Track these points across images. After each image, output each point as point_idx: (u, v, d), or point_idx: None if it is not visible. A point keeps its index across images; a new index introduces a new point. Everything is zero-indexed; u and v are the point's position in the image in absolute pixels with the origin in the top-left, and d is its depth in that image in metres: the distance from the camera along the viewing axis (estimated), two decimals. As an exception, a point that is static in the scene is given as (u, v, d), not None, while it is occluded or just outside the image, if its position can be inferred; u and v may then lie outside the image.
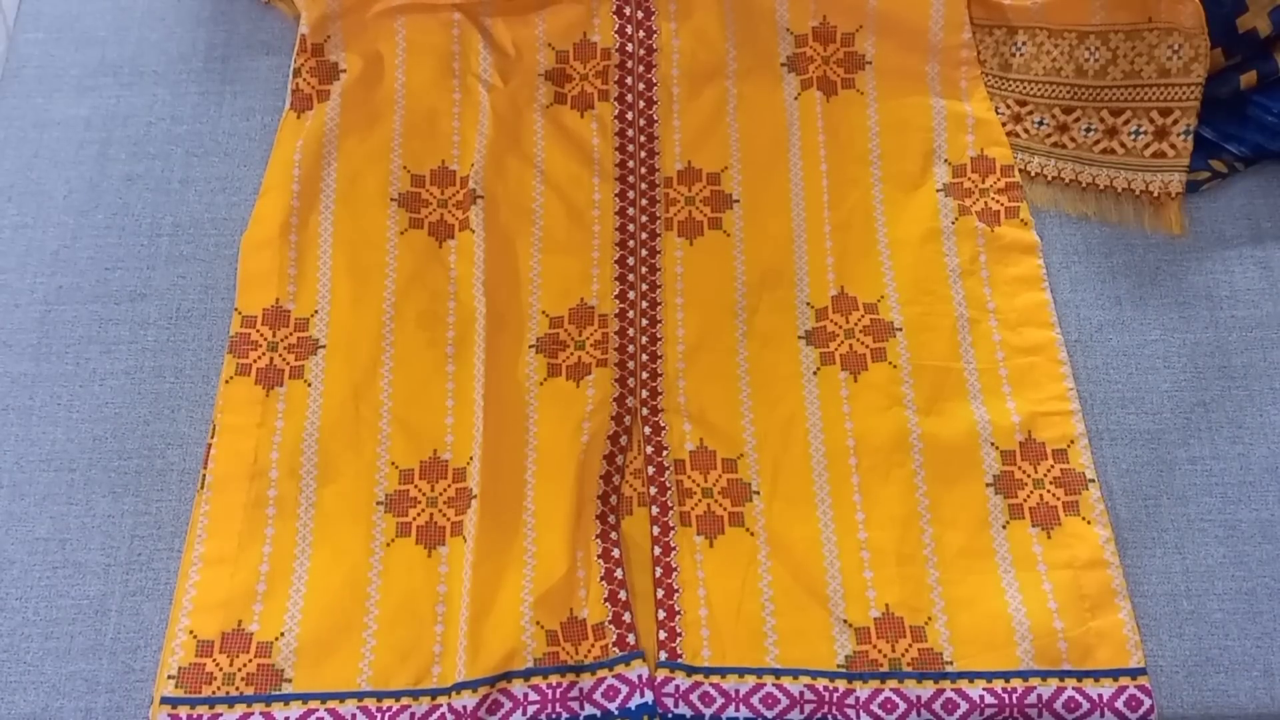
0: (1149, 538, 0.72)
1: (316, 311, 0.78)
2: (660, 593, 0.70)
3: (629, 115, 0.85)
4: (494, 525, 0.71)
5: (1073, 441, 0.74)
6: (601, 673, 0.68)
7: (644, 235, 0.81)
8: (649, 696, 0.66)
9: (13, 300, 0.81)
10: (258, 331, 0.78)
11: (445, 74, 0.86)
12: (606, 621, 0.69)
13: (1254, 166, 0.82)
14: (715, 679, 0.67)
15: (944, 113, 0.84)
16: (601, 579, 0.70)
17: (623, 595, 0.70)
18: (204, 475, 0.73)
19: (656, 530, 0.72)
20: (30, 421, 0.77)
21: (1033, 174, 0.83)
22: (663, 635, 0.69)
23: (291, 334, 0.78)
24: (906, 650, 0.68)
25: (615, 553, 0.71)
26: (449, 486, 0.73)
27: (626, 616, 0.69)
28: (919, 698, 0.67)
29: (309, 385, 0.76)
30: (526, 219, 0.81)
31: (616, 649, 0.68)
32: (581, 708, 0.66)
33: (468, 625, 0.68)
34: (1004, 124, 0.84)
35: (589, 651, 0.68)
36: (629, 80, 0.86)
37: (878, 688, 0.67)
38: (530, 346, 0.77)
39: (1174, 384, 0.77)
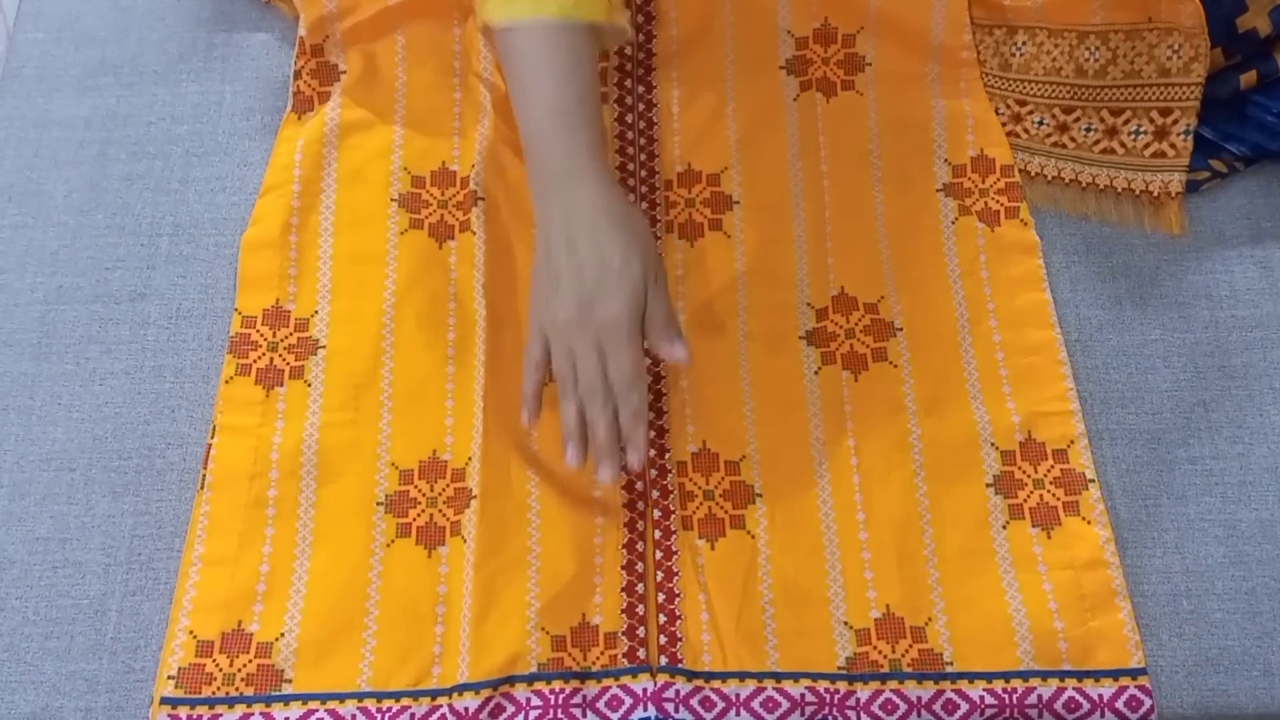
0: (1149, 538, 0.72)
1: (316, 312, 0.78)
2: (661, 597, 0.70)
3: (628, 118, 0.85)
4: (494, 526, 0.71)
5: (1073, 441, 0.74)
6: (607, 681, 0.67)
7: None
8: (651, 711, 0.66)
9: (13, 300, 0.81)
10: (258, 332, 0.78)
11: (446, 73, 0.86)
12: (620, 632, 0.69)
13: (1254, 166, 0.82)
14: (716, 684, 0.67)
15: (944, 113, 0.84)
16: (622, 590, 0.70)
17: (640, 610, 0.70)
18: (204, 475, 0.73)
19: (658, 534, 0.72)
20: (30, 421, 0.77)
21: (1033, 174, 0.82)
22: (663, 640, 0.69)
23: (291, 334, 0.78)
24: (907, 651, 0.68)
25: (639, 566, 0.71)
26: (448, 486, 0.73)
27: (640, 631, 0.69)
28: (919, 698, 0.67)
29: (309, 385, 0.76)
30: (527, 221, 0.81)
31: (626, 660, 0.68)
32: (584, 715, 0.66)
33: (470, 627, 0.68)
34: (1004, 124, 0.83)
35: (597, 658, 0.68)
36: (628, 83, 0.86)
37: (878, 689, 0.67)
38: (531, 349, 0.77)
39: (1174, 384, 0.77)
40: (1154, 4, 0.77)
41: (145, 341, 0.79)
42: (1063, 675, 0.67)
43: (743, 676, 0.67)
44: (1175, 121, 0.78)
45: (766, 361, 0.77)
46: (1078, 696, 0.67)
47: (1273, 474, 0.74)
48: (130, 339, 0.79)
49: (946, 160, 0.83)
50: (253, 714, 0.67)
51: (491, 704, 0.66)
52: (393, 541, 0.72)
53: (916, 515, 0.72)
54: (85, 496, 0.75)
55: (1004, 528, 0.72)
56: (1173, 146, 0.78)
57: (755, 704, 0.67)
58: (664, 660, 0.68)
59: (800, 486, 0.73)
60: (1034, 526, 0.72)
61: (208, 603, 0.70)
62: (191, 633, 0.69)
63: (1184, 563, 0.72)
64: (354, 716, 0.67)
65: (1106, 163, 0.80)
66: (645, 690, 0.67)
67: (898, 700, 0.67)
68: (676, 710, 0.66)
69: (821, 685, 0.67)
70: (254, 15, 0.91)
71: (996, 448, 0.74)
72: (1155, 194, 0.79)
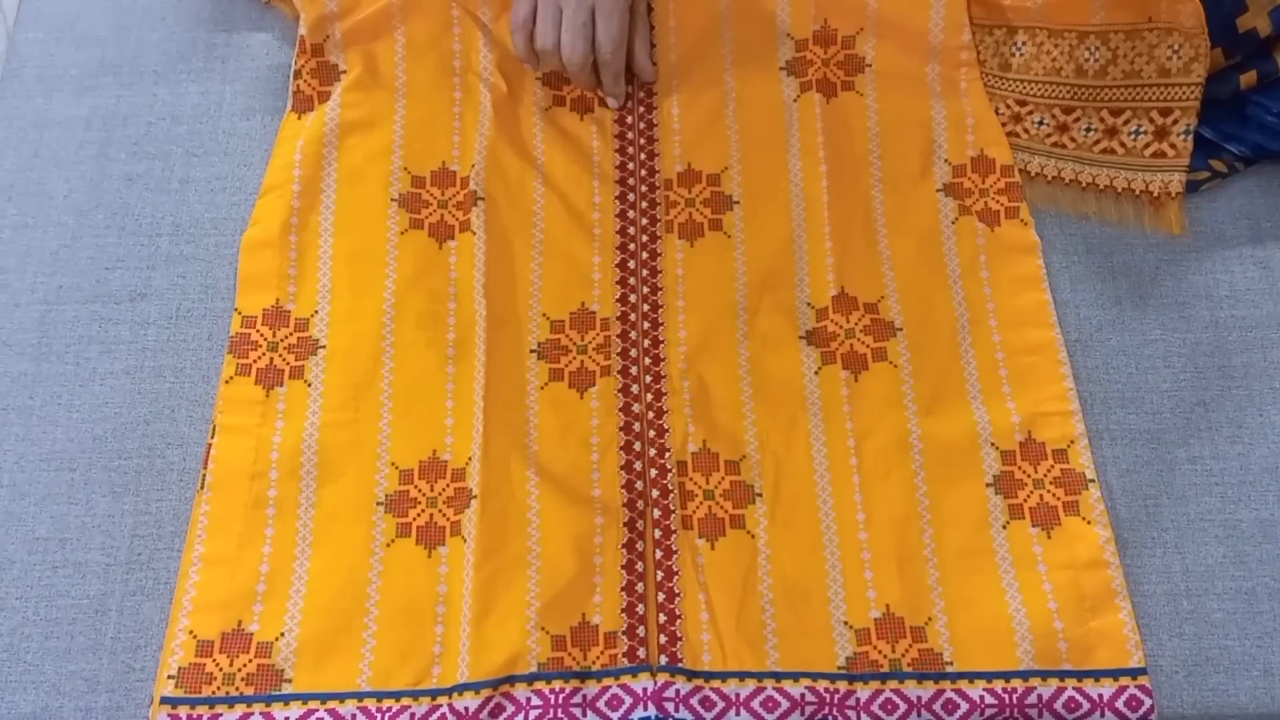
0: (1149, 538, 0.72)
1: (316, 312, 0.78)
2: (661, 596, 0.70)
3: (628, 119, 0.85)
4: (494, 526, 0.71)
5: (1073, 441, 0.74)
6: (607, 681, 0.67)
7: (644, 238, 0.81)
8: (652, 711, 0.66)
9: (13, 300, 0.81)
10: (258, 332, 0.78)
11: (446, 73, 0.86)
12: (620, 631, 0.69)
13: (1254, 166, 0.82)
14: (716, 683, 0.67)
15: (944, 113, 0.84)
16: (622, 589, 0.70)
17: (640, 609, 0.70)
18: (204, 475, 0.73)
19: (658, 534, 0.72)
20: (30, 421, 0.77)
21: (1033, 174, 0.82)
22: (663, 639, 0.69)
23: (291, 334, 0.78)
24: (906, 651, 0.68)
25: (639, 566, 0.71)
26: (448, 486, 0.73)
27: (641, 630, 0.69)
28: (919, 698, 0.67)
29: (309, 385, 0.76)
30: (527, 221, 0.81)
31: (626, 659, 0.68)
32: (584, 714, 0.66)
33: (470, 627, 0.68)
34: (1004, 124, 0.83)
35: (597, 658, 0.68)
36: (629, 84, 0.86)
37: (878, 688, 0.67)
38: (531, 351, 0.77)
39: (1174, 384, 0.77)
40: (1154, 4, 0.77)
41: (145, 341, 0.79)
42: (1063, 675, 0.67)
43: (743, 676, 0.67)
44: (1175, 121, 0.78)
45: (766, 361, 0.77)
46: (1078, 696, 0.67)
47: (1273, 474, 0.74)
48: (130, 339, 0.79)
49: (946, 160, 0.83)
50: (253, 714, 0.67)
51: (491, 704, 0.66)
52: (393, 541, 0.72)
53: (916, 515, 0.72)
54: (85, 496, 0.75)
55: (1004, 528, 0.72)
56: (1173, 146, 0.78)
57: (755, 704, 0.67)
58: (664, 660, 0.68)
59: (800, 486, 0.73)
60: (1034, 526, 0.72)
61: (208, 603, 0.70)
62: (191, 633, 0.69)
63: (1184, 563, 0.72)
64: (354, 716, 0.67)
65: (1106, 163, 0.80)
66: (645, 690, 0.67)
67: (898, 700, 0.67)
68: (676, 710, 0.66)
69: (821, 685, 0.67)
70: (254, 15, 0.91)
71: (996, 448, 0.74)
72: (1155, 194, 0.79)
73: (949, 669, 0.68)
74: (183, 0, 0.92)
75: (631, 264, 0.80)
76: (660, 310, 0.78)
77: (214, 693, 0.68)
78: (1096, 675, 0.67)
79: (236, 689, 0.68)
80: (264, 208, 0.82)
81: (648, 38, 0.86)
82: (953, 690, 0.67)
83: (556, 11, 0.81)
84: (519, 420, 0.75)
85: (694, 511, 0.72)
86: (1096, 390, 0.76)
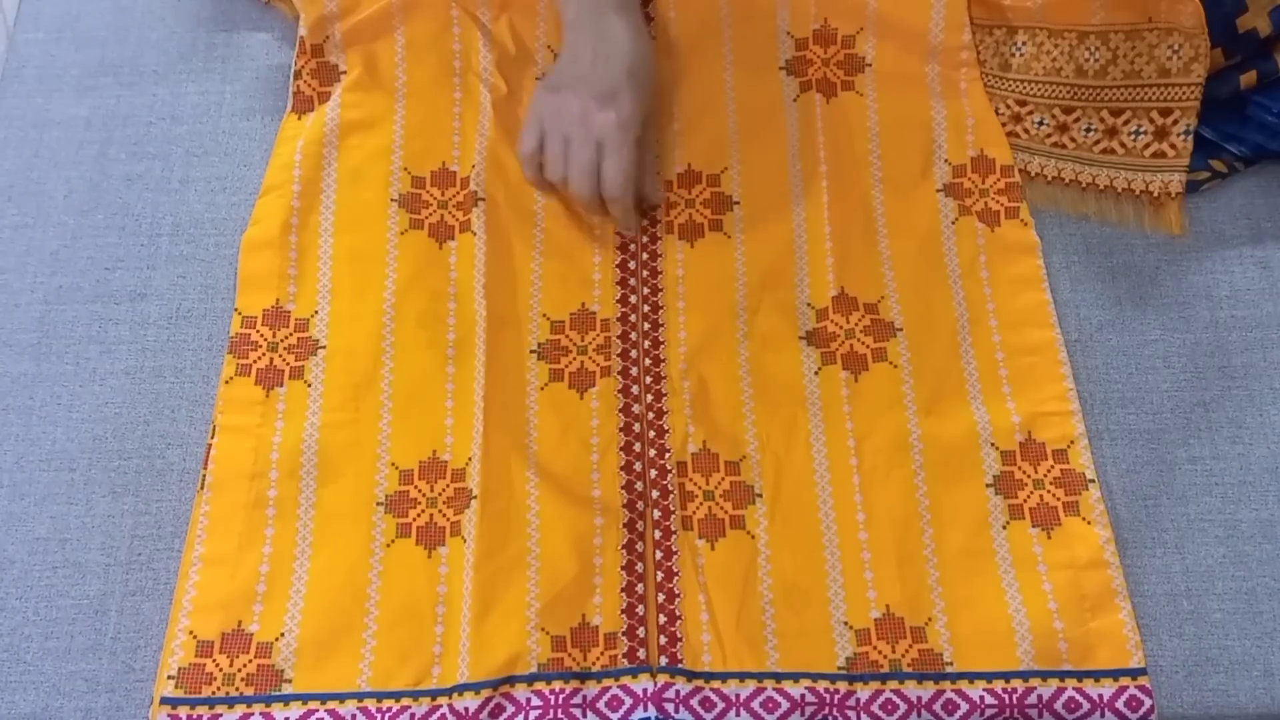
0: (1149, 538, 0.72)
1: (316, 312, 0.78)
2: (661, 597, 0.70)
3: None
4: (494, 526, 0.71)
5: (1073, 442, 0.74)
6: (607, 681, 0.67)
7: (645, 239, 0.81)
8: (651, 711, 0.66)
9: (13, 300, 0.81)
10: (258, 332, 0.78)
11: (446, 73, 0.86)
12: (620, 632, 0.69)
13: (1254, 166, 0.82)
14: (716, 684, 0.67)
15: (944, 113, 0.84)
16: (622, 590, 0.70)
17: (640, 610, 0.70)
18: (204, 475, 0.73)
19: (658, 534, 0.72)
20: (30, 421, 0.77)
21: (1033, 174, 0.82)
22: (663, 640, 0.69)
23: (291, 334, 0.78)
24: (907, 651, 0.68)
25: (639, 567, 0.71)
26: (448, 486, 0.73)
27: (641, 631, 0.69)
28: (919, 699, 0.67)
29: (309, 386, 0.76)
30: (528, 221, 0.81)
31: (626, 660, 0.68)
32: (584, 715, 0.66)
33: (470, 627, 0.68)
34: (1004, 124, 0.83)
35: (597, 659, 0.68)
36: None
37: (878, 689, 0.67)
38: (531, 352, 0.77)
39: (1174, 384, 0.77)
40: (1154, 4, 0.77)
41: (145, 341, 0.79)
42: (1063, 675, 0.67)
43: (743, 677, 0.67)
44: (1175, 121, 0.78)
45: (766, 361, 0.77)
46: (1078, 696, 0.67)
47: (1273, 474, 0.74)
48: (130, 339, 0.79)
49: (946, 160, 0.83)
50: (253, 714, 0.67)
51: (491, 704, 0.66)
52: (393, 541, 0.72)
53: (916, 515, 0.72)
54: (85, 496, 0.75)
55: (1004, 528, 0.72)
56: (1173, 147, 0.78)
57: (755, 704, 0.67)
58: (664, 660, 0.68)
59: (800, 486, 0.73)
60: (1034, 526, 0.72)
61: (208, 603, 0.70)
62: (191, 633, 0.69)
63: (1184, 563, 0.72)
64: (354, 716, 0.67)
65: (1106, 163, 0.80)
66: (645, 690, 0.67)
67: (898, 700, 0.67)
68: (676, 710, 0.66)
69: (821, 685, 0.67)
70: (254, 15, 0.91)
71: (996, 448, 0.74)
72: (1155, 194, 0.79)
73: (949, 669, 0.68)
74: (183, 0, 0.92)
75: (632, 264, 0.80)
76: (660, 311, 0.78)
77: (214, 693, 0.68)
78: (1096, 675, 0.67)
79: (236, 689, 0.68)
80: (264, 208, 0.82)
81: (654, 166, 0.81)
82: (953, 690, 0.67)
83: (564, 144, 0.76)
84: (519, 420, 0.75)
85: (694, 512, 0.72)
86: (1096, 390, 0.76)
